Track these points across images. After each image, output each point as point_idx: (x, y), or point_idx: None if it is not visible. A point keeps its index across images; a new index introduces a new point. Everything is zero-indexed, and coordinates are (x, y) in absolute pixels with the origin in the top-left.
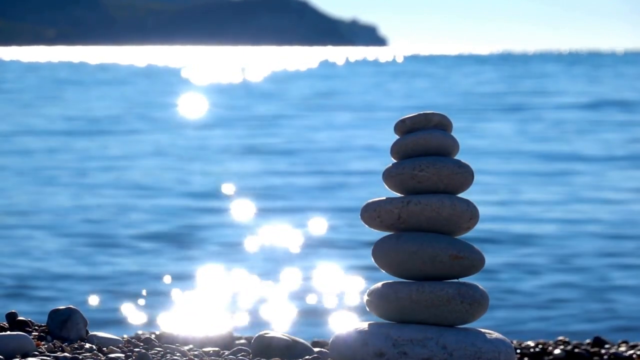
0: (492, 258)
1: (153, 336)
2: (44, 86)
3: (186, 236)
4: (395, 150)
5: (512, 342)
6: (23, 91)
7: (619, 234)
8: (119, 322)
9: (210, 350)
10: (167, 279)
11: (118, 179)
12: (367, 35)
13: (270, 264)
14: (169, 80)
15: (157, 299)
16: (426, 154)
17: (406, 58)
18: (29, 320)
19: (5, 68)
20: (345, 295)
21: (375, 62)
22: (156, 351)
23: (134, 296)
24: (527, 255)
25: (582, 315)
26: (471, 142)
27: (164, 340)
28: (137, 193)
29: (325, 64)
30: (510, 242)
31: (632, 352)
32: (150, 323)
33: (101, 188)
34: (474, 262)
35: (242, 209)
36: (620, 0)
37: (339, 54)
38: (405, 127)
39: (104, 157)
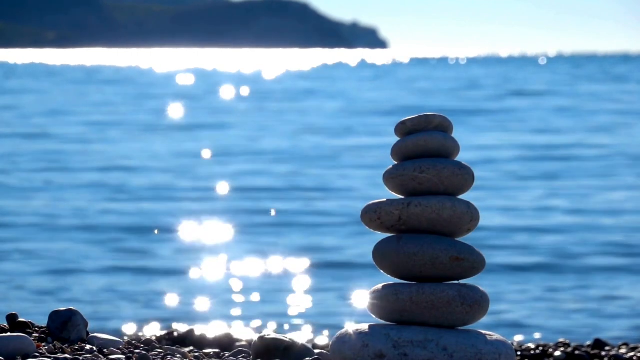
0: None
1: (154, 337)
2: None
3: (189, 236)
4: (395, 151)
5: (512, 344)
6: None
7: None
8: (120, 324)
9: (210, 352)
10: (167, 280)
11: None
12: (367, 37)
13: (270, 264)
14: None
15: (158, 300)
16: (427, 155)
17: (404, 61)
18: (30, 322)
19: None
20: (345, 296)
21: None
22: (157, 353)
23: (133, 297)
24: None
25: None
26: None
27: (164, 342)
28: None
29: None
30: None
31: (632, 354)
32: (151, 324)
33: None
34: (475, 264)
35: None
36: (617, 2)
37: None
38: (406, 129)
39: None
